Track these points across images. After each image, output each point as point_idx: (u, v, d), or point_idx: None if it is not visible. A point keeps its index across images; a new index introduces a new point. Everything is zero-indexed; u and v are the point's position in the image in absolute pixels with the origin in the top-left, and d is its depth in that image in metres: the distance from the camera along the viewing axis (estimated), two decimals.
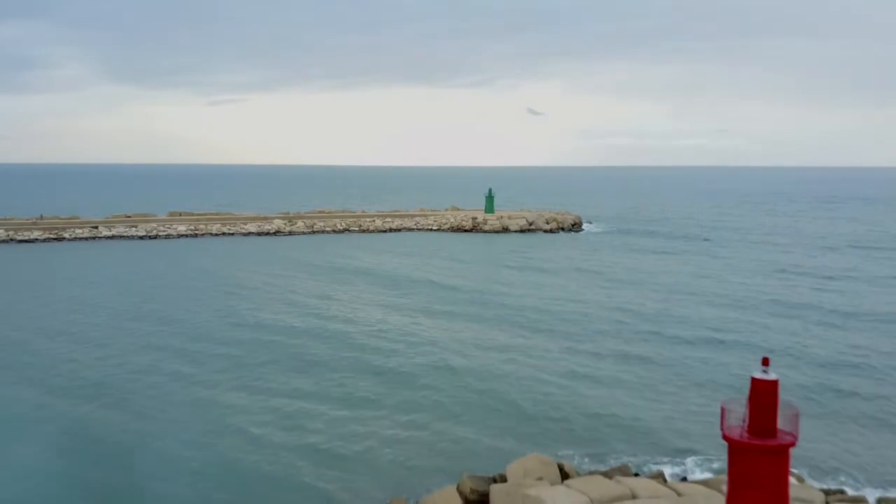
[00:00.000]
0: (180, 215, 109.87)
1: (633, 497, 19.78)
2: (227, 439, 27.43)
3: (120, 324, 46.44)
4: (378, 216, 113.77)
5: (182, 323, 46.44)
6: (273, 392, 32.86)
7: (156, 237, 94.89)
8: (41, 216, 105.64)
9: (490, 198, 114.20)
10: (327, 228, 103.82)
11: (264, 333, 43.49)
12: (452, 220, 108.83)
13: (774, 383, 14.00)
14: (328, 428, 28.62)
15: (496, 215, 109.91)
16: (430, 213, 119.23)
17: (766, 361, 14.24)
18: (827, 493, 21.38)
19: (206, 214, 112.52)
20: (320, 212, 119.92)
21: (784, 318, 47.24)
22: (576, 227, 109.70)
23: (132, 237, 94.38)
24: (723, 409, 14.42)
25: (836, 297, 53.90)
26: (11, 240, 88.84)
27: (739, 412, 14.28)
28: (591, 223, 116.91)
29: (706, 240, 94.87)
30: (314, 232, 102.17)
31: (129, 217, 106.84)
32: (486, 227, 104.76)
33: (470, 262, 73.91)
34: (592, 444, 26.58)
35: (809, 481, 23.01)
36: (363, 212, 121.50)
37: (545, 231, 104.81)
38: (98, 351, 39.93)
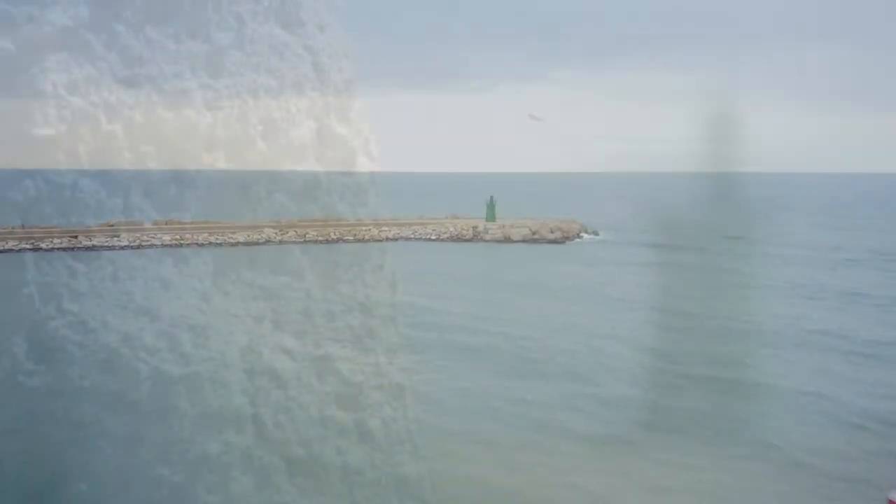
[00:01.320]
0: (166, 223, 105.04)
1: None
2: None
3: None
4: (374, 225, 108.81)
5: (104, 357, 39.93)
6: (169, 455, 25.66)
7: (139, 247, 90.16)
8: (22, 225, 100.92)
9: (491, 206, 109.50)
10: (320, 238, 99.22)
11: (191, 373, 36.32)
12: (452, 229, 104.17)
13: None
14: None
15: (497, 224, 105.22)
16: (428, 221, 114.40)
17: None
18: None
19: (193, 223, 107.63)
20: (314, 220, 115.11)
21: (816, 350, 42.02)
22: (580, 236, 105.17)
23: (113, 247, 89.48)
24: None
25: (875, 326, 48.45)
26: None
27: None
28: (596, 234, 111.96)
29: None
30: (306, 241, 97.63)
31: (112, 226, 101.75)
32: (488, 237, 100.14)
33: (465, 279, 68.88)
34: None
35: None
36: (358, 220, 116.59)
37: (549, 241, 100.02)
38: None
